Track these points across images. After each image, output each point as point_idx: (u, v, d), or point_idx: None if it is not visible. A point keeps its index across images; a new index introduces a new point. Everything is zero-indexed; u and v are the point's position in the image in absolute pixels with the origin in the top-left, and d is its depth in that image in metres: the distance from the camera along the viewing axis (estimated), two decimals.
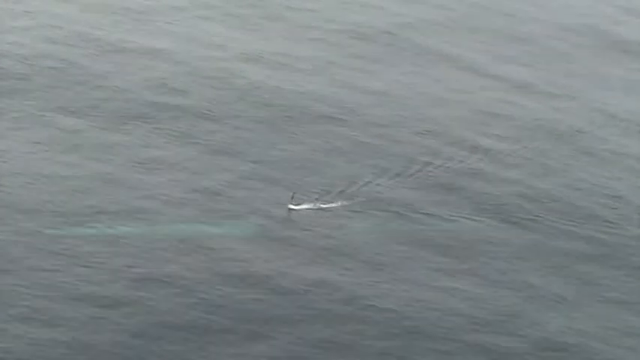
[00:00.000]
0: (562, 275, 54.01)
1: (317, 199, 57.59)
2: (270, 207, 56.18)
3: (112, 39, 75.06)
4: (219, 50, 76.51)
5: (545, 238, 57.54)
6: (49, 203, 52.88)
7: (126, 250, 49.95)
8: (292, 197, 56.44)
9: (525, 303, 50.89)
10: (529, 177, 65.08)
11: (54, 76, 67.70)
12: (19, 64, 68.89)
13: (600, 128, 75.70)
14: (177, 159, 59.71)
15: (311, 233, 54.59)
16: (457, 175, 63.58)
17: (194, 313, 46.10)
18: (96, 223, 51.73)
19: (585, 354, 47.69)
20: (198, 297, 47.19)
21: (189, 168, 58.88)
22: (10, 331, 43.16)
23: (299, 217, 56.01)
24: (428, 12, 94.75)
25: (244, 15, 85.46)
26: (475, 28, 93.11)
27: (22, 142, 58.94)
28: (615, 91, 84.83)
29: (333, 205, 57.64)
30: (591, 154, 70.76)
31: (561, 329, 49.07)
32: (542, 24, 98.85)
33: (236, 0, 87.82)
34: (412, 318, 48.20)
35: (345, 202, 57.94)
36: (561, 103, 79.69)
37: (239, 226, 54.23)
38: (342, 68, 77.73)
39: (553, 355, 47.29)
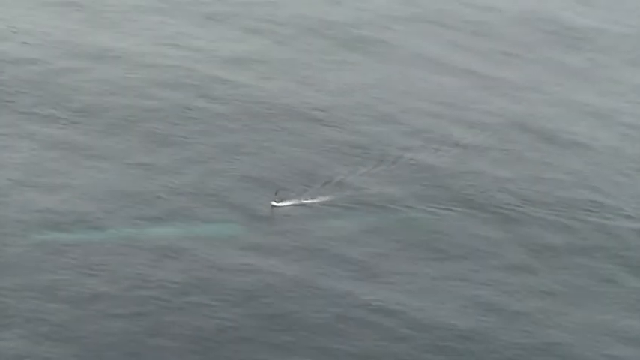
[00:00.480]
0: (550, 268, 54.50)
1: (300, 196, 57.77)
2: (253, 205, 55.97)
3: (79, 41, 74.41)
4: (188, 50, 76.07)
5: (528, 230, 58.02)
6: (36, 209, 52.25)
7: (116, 255, 49.44)
8: (276, 194, 56.49)
9: (517, 297, 51.39)
10: (501, 168, 65.64)
11: (26, 82, 67.03)
12: None
13: (565, 117, 76.76)
14: (158, 161, 59.24)
15: (296, 231, 54.52)
16: (431, 167, 63.99)
17: (188, 318, 45.84)
18: (81, 228, 51.22)
19: (581, 349, 48.33)
20: (190, 302, 46.88)
21: (170, 170, 58.41)
22: (10, 342, 42.97)
23: (283, 214, 56.00)
24: (387, 6, 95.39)
25: (206, 13, 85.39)
26: (434, 21, 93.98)
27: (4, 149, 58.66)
28: (575, 79, 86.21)
29: (316, 200, 57.84)
30: (560, 144, 71.56)
31: (556, 323, 49.62)
32: (497, 13, 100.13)
33: None
34: (407, 316, 48.25)
35: (327, 198, 58.14)
36: (524, 93, 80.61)
37: (224, 226, 54.06)
38: (310, 65, 77.91)
39: (551, 350, 47.81)
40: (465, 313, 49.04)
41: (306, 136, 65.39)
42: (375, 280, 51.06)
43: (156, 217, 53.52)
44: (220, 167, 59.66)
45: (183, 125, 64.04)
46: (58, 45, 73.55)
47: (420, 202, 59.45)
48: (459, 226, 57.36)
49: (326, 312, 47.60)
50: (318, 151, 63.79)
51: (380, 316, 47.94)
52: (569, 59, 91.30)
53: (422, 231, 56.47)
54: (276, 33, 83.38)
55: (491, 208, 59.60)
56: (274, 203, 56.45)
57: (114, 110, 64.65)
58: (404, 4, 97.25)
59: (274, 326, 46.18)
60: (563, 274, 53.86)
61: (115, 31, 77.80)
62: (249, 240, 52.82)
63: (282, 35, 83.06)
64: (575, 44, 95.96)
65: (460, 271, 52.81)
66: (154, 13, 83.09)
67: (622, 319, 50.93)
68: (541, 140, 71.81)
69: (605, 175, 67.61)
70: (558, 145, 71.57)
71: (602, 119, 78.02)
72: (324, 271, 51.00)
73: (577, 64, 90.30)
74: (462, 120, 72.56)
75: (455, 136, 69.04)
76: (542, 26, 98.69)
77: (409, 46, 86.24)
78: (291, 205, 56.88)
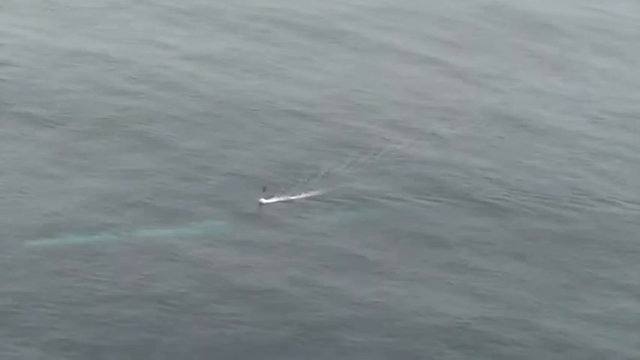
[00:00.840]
0: (540, 255, 55.13)
1: (287, 191, 57.91)
2: (242, 203, 56.02)
3: (56, 44, 73.74)
4: (165, 50, 75.74)
5: (515, 218, 58.70)
6: (23, 215, 51.91)
7: (108, 259, 49.25)
8: (264, 190, 56.58)
9: (507, 288, 51.85)
10: (481, 157, 66.31)
11: (7, 84, 66.47)
12: None
13: (537, 104, 77.51)
14: (145, 161, 59.12)
15: (288, 228, 54.71)
16: (413, 158, 64.53)
17: (193, 317, 45.92)
18: (75, 233, 50.91)
19: (579, 335, 48.86)
20: (192, 302, 46.98)
21: (157, 170, 58.30)
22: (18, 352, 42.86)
23: (272, 211, 56.15)
24: None
25: (179, 12, 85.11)
26: (405, 12, 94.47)
27: None
28: (544, 66, 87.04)
29: (303, 196, 58.11)
30: (534, 131, 72.34)
31: (554, 310, 50.26)
32: (465, 3, 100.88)
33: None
34: (407, 310, 48.56)
35: (314, 193, 58.36)
36: (496, 82, 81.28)
37: (214, 225, 54.05)
38: (285, 59, 77.97)
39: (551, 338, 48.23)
40: (463, 305, 49.44)
41: (288, 132, 65.53)
42: (371, 274, 51.37)
43: (147, 218, 53.35)
44: (207, 166, 59.61)
45: (168, 125, 63.84)
46: (33, 46, 72.92)
47: (405, 193, 59.87)
48: (448, 217, 57.86)
49: (327, 309, 47.78)
50: (302, 146, 63.99)
51: (381, 310, 48.30)
52: (537, 46, 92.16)
53: (409, 223, 56.82)
54: (249, 28, 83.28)
55: (476, 198, 60.23)
56: (262, 200, 56.56)
57: (98, 112, 64.19)
58: None
59: (277, 324, 46.28)
60: (554, 261, 54.57)
61: (91, 31, 77.23)
62: (240, 239, 52.84)
63: (255, 30, 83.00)
64: (541, 31, 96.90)
65: (454, 262, 53.28)
66: (128, 12, 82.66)
67: (617, 303, 51.79)
68: (516, 128, 72.57)
69: (581, 160, 68.55)
70: (533, 132, 72.32)
71: (573, 105, 78.92)
72: (319, 268, 51.20)
73: (544, 51, 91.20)
74: (437, 110, 73.12)
75: (432, 127, 69.57)
76: (509, 14, 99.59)
77: (382, 38, 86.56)
78: (279, 201, 57.09)
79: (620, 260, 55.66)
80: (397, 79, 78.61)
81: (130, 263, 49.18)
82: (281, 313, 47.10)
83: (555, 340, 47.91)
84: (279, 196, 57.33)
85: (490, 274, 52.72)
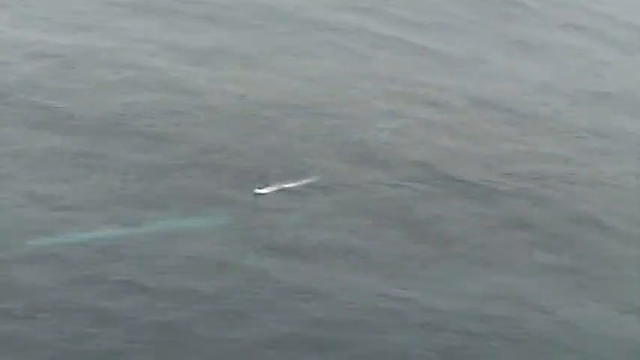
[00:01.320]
0: (536, 242, 55.45)
1: (281, 181, 57.98)
2: (237, 194, 55.95)
3: (34, 40, 73.02)
4: (147, 44, 74.83)
5: (509, 204, 59.09)
6: (27, 214, 51.67)
7: (112, 256, 49.25)
8: (258, 180, 56.58)
9: (508, 273, 52.38)
10: (468, 143, 66.59)
11: None
12: None
13: (512, 90, 77.64)
14: (141, 158, 58.75)
15: (283, 218, 54.78)
16: (401, 145, 64.76)
17: (210, 318, 46.13)
18: (74, 230, 50.76)
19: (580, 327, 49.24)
20: (201, 299, 47.19)
21: (154, 166, 58.00)
22: None
23: (267, 201, 56.08)
24: None
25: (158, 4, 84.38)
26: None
27: None
28: (517, 51, 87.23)
29: (298, 184, 58.07)
30: (515, 116, 72.52)
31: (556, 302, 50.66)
32: None
33: None
34: (412, 304, 48.72)
35: (309, 180, 58.45)
36: (470, 67, 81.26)
37: (213, 218, 53.88)
38: (269, 52, 77.26)
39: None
40: (466, 297, 49.79)
41: (278, 121, 65.36)
42: (373, 264, 51.77)
43: (147, 213, 53.20)
44: (200, 158, 59.45)
45: (160, 121, 63.31)
46: (14, 45, 72.04)
47: (397, 178, 60.23)
48: (442, 203, 58.20)
49: (340, 303, 48.08)
50: (292, 135, 63.87)
51: (390, 302, 48.62)
52: (506, 29, 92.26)
53: (405, 208, 57.22)
54: (230, 21, 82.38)
55: (469, 181, 60.74)
56: (257, 190, 56.58)
57: (92, 111, 63.44)
58: None
59: (293, 319, 46.55)
60: (555, 244, 55.14)
61: (73, 29, 76.02)
62: (239, 230, 52.93)
63: (233, 20, 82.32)
64: (510, 10, 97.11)
65: (453, 247, 53.76)
66: (109, 8, 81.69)
67: (618, 285, 52.67)
68: (498, 110, 72.99)
69: (564, 139, 69.26)
70: (514, 113, 72.73)
71: (549, 86, 79.30)
72: (322, 259, 51.56)
73: (514, 33, 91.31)
74: (420, 95, 73.21)
75: (417, 111, 69.92)
76: None
77: (358, 25, 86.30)
78: (273, 190, 57.12)
79: (619, 240, 56.44)
80: (377, 64, 78.42)
81: (137, 259, 49.17)
82: (292, 306, 47.28)
83: (566, 323, 48.50)
84: (273, 186, 57.38)
85: (490, 258, 53.17)
